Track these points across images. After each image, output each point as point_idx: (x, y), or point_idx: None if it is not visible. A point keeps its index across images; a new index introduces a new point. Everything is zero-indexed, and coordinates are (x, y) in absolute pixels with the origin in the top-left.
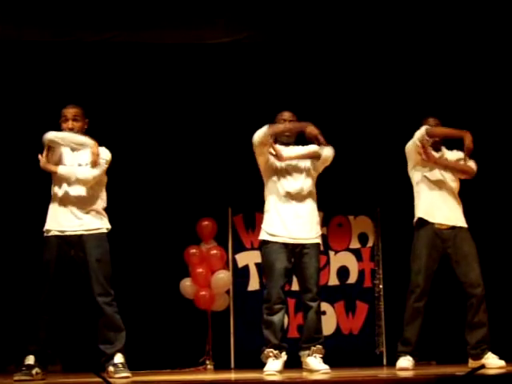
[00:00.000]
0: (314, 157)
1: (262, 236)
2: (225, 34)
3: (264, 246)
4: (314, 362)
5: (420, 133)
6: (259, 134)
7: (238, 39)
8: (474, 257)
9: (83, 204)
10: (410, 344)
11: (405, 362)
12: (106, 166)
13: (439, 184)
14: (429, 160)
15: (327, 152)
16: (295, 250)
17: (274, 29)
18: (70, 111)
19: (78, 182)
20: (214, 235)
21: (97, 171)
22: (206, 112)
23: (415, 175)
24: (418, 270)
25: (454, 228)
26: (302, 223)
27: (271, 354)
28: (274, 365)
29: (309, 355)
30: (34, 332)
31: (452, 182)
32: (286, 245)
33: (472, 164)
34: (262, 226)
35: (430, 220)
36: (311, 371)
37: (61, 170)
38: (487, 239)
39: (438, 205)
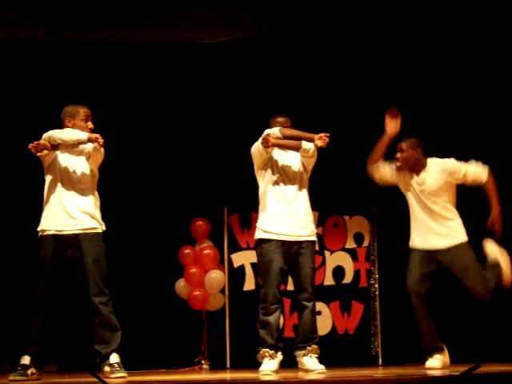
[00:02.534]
0: (297, 147)
1: (258, 235)
2: (220, 34)
3: (260, 245)
4: (310, 362)
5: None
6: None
7: (233, 39)
8: (472, 268)
9: (78, 203)
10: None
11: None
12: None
13: (428, 207)
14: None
15: (307, 144)
16: (291, 250)
17: (269, 29)
18: (89, 112)
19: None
20: (208, 235)
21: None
22: (200, 111)
23: (407, 199)
24: (409, 271)
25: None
26: (297, 221)
27: (267, 354)
28: (269, 365)
29: (304, 355)
30: (30, 332)
31: (442, 199)
32: (282, 243)
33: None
34: (257, 225)
35: (426, 247)
36: (307, 371)
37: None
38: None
39: (427, 233)
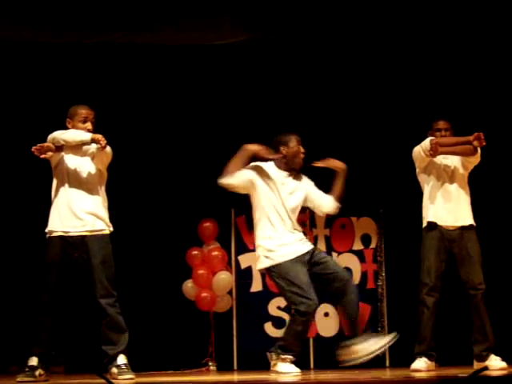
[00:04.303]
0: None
1: (265, 264)
2: (227, 35)
3: (274, 269)
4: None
5: (425, 146)
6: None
7: (239, 41)
8: (477, 258)
9: (85, 204)
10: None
11: (419, 363)
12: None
13: (446, 185)
14: (435, 155)
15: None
16: (304, 259)
17: (276, 30)
18: (89, 113)
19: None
20: (216, 236)
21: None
22: (208, 113)
23: (422, 178)
24: (428, 270)
25: (461, 228)
26: (298, 239)
27: (288, 360)
28: (293, 367)
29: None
30: (37, 333)
31: (459, 180)
32: (295, 259)
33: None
34: (260, 253)
35: (439, 223)
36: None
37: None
38: (492, 238)
39: (446, 207)
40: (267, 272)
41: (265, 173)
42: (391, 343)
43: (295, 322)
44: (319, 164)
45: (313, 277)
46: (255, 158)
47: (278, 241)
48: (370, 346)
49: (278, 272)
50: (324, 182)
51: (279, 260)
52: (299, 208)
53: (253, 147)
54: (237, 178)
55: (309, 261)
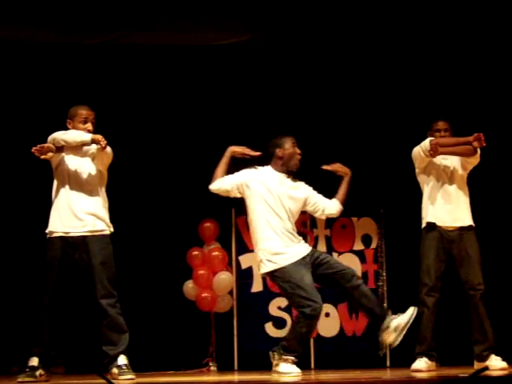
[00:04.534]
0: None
1: (269, 268)
2: (227, 35)
3: (280, 271)
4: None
5: (425, 146)
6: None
7: (240, 41)
8: (476, 259)
9: (85, 204)
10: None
11: (420, 363)
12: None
13: (445, 186)
14: (435, 155)
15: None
16: (306, 261)
17: (277, 31)
18: (90, 113)
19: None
20: (216, 237)
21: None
22: (208, 114)
23: (422, 179)
24: (427, 270)
25: (460, 229)
26: (297, 240)
27: (290, 361)
28: (294, 368)
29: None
30: (38, 334)
31: (458, 180)
32: (298, 262)
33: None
34: (262, 257)
35: (438, 223)
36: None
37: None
38: (491, 238)
39: (445, 208)
40: (270, 276)
41: (261, 175)
42: (415, 314)
43: (299, 324)
44: (327, 168)
45: (320, 278)
46: (243, 159)
47: (279, 242)
48: (401, 320)
49: (282, 276)
50: (322, 184)
51: (283, 263)
52: (299, 209)
53: (232, 148)
54: (228, 183)
55: (311, 263)
